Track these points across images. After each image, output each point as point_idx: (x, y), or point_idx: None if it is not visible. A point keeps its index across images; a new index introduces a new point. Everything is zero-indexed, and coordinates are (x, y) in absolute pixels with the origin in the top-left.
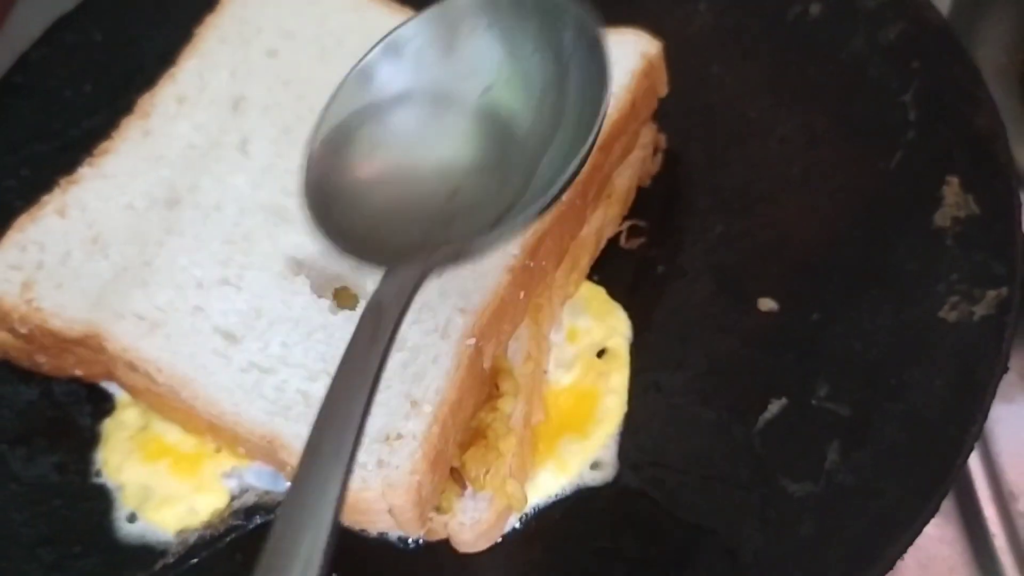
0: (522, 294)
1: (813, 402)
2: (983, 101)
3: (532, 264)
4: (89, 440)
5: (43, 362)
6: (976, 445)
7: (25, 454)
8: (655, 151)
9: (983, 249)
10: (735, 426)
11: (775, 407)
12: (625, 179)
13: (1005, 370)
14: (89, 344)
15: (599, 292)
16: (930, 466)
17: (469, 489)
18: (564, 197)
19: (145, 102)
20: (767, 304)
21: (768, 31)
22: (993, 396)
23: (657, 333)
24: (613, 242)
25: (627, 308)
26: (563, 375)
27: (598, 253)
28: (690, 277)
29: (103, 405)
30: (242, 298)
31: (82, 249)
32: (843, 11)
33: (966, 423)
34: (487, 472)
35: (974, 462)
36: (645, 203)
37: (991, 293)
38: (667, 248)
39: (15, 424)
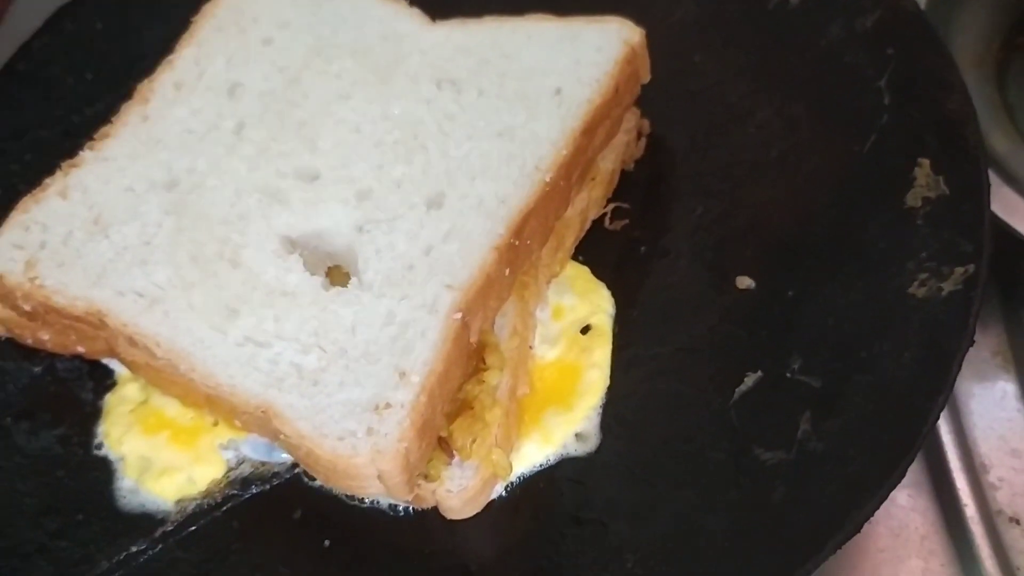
0: (508, 271)
1: (787, 375)
2: (955, 86)
3: (518, 242)
4: (91, 414)
5: (46, 339)
6: (949, 419)
7: (29, 427)
8: (638, 136)
9: (952, 228)
10: (712, 399)
11: (750, 380)
12: (609, 162)
13: (971, 343)
14: (90, 320)
15: (583, 271)
16: (897, 435)
17: (456, 458)
18: (548, 179)
19: (144, 88)
20: (745, 282)
21: (749, 19)
22: (959, 368)
23: (639, 310)
24: (598, 223)
25: (611, 287)
26: (548, 350)
27: (583, 234)
28: (671, 257)
29: (104, 381)
30: (238, 275)
31: (83, 229)
32: (822, 0)
33: (933, 394)
34: (473, 441)
35: (946, 435)
36: (629, 186)
37: (959, 270)
38: (650, 229)
39: (19, 399)
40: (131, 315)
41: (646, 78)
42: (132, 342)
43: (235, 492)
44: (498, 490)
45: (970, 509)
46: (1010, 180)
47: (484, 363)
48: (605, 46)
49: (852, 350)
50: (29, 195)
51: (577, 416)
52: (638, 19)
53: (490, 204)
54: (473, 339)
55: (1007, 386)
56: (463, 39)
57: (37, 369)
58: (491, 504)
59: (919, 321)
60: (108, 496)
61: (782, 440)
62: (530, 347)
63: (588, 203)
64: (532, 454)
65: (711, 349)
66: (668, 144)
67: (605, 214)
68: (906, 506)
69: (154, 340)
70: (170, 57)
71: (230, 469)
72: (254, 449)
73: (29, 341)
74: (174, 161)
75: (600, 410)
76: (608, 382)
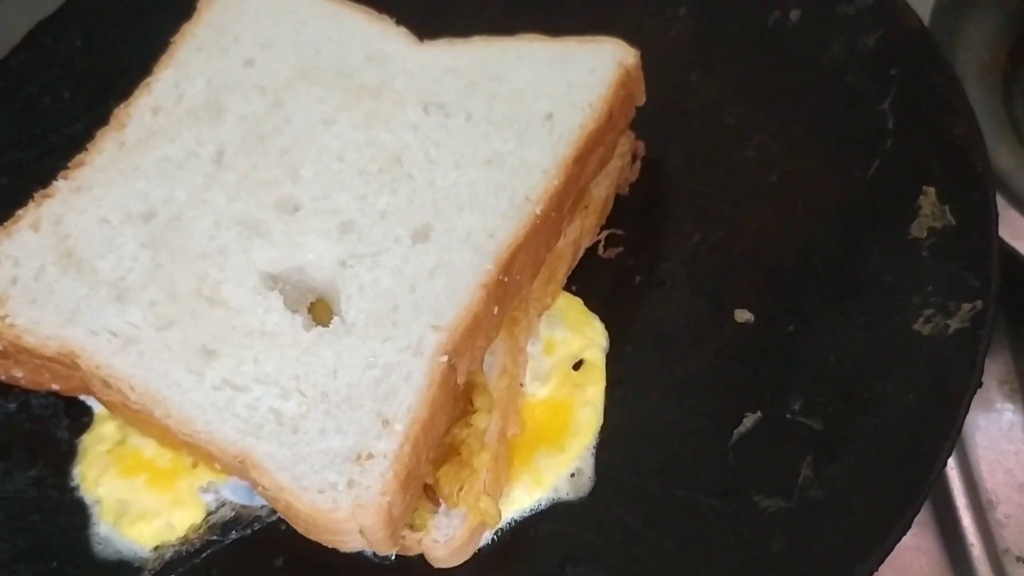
0: (496, 309)
1: (787, 416)
2: (961, 110)
3: (507, 279)
4: (67, 454)
5: (19, 376)
6: (954, 454)
7: (3, 468)
8: (633, 159)
9: (959, 261)
10: (710, 440)
11: (749, 421)
12: (603, 188)
13: (979, 384)
14: (63, 360)
15: (576, 303)
16: (903, 482)
17: (443, 506)
18: (539, 211)
19: (121, 113)
20: (743, 315)
21: (747, 37)
22: (967, 411)
23: (634, 344)
24: (591, 251)
25: (604, 318)
26: (539, 387)
27: (575, 263)
28: (667, 287)
29: (81, 418)
30: (216, 313)
31: (56, 264)
32: (823, 17)
33: (939, 439)
34: (460, 489)
35: (952, 471)
36: (623, 211)
37: (966, 306)
38: (645, 258)
39: None
40: (105, 356)
41: (641, 100)
42: (106, 384)
43: (215, 538)
44: (487, 538)
45: (976, 548)
46: (1017, 202)
47: (472, 405)
48: (599, 68)
49: (855, 390)
50: (0, 228)
51: (569, 456)
52: (632, 38)
53: (478, 237)
54: (460, 380)
55: (1014, 417)
56: (451, 60)
57: (12, 406)
58: (479, 552)
59: (925, 361)
60: (84, 542)
61: (782, 486)
62: (520, 385)
63: (581, 232)
64: (522, 498)
65: (708, 387)
66: (664, 167)
67: (599, 242)
68: (910, 546)
69: (128, 383)
70: (148, 80)
71: (210, 513)
72: (234, 492)
73: (2, 377)
74: (151, 191)
75: (593, 451)
76: (601, 421)
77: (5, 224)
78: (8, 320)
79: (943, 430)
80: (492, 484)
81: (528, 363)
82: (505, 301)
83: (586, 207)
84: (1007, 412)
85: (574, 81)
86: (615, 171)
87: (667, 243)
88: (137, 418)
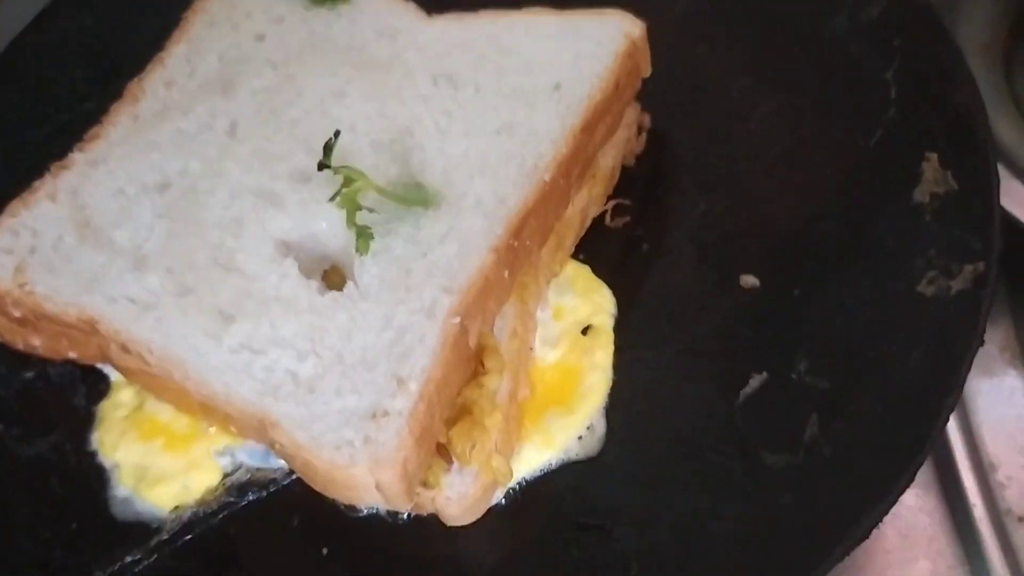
0: (506, 273)
1: (793, 376)
2: (963, 79)
3: (516, 244)
4: (85, 420)
5: (37, 344)
6: (957, 417)
7: (21, 434)
8: (639, 131)
9: (961, 224)
10: (717, 401)
11: (756, 382)
12: (609, 159)
13: (981, 343)
14: (82, 327)
15: (584, 270)
16: (907, 437)
17: (455, 464)
18: (548, 178)
19: (134, 87)
20: (749, 281)
21: (752, 9)
22: (969, 369)
23: (641, 310)
24: (598, 221)
25: (612, 286)
26: (549, 352)
27: (583, 232)
28: (674, 255)
29: (98, 386)
30: (232, 280)
31: (74, 234)
32: None
33: (942, 396)
34: (473, 447)
35: (954, 434)
36: (630, 182)
37: (968, 268)
38: (651, 227)
39: (12, 405)
40: (124, 322)
41: (647, 72)
42: (125, 349)
43: (231, 499)
44: (499, 496)
45: (978, 509)
46: (1018, 172)
47: (483, 367)
48: (605, 40)
49: (860, 351)
50: (18, 199)
51: (579, 419)
52: (638, 11)
53: (489, 204)
54: (472, 343)
55: (1015, 382)
56: (460, 34)
57: (29, 374)
58: (492, 510)
59: (928, 321)
60: (103, 504)
61: (789, 443)
62: (531, 349)
63: (588, 201)
64: (533, 458)
65: (715, 350)
66: (670, 139)
67: (606, 211)
68: (913, 507)
69: (147, 347)
70: (161, 54)
71: (226, 475)
72: (250, 455)
73: (20, 346)
74: (166, 163)
75: (603, 413)
76: (610, 384)
77: (22, 195)
78: (28, 287)
79: (946, 387)
80: (503, 443)
81: (538, 329)
82: (515, 265)
83: (593, 176)
84: (1008, 377)
85: (581, 52)
86: (621, 142)
87: (673, 212)
88: (155, 383)
